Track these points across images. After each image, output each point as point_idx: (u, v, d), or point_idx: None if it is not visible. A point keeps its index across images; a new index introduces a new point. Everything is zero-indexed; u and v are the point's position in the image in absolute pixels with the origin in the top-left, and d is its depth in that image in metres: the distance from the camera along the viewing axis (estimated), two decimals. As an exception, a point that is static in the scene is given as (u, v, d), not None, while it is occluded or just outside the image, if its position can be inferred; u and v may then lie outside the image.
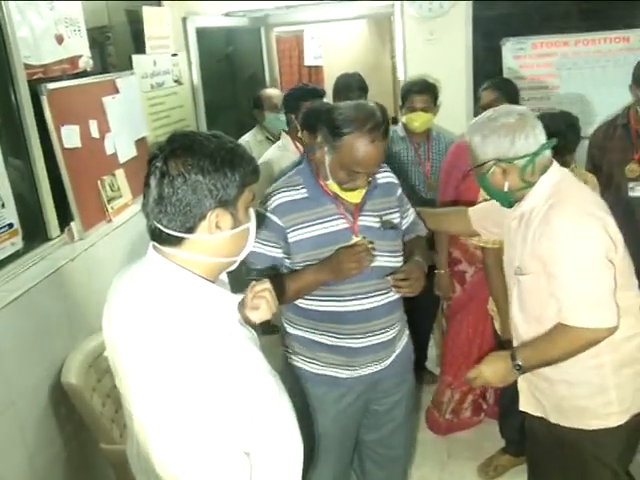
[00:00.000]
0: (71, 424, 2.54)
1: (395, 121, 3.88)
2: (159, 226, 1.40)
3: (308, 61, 8.16)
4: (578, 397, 2.13)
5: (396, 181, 2.37)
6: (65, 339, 2.54)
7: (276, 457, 1.46)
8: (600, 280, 1.97)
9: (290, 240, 2.19)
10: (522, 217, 2.13)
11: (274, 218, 2.19)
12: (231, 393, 1.33)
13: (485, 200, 2.51)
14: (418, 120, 3.58)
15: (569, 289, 1.98)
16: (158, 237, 1.42)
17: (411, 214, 2.45)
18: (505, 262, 2.32)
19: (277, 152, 3.55)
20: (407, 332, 2.49)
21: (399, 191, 2.36)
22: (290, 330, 2.37)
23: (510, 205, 2.18)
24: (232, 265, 1.54)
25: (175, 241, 1.40)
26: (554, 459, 2.29)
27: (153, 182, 1.37)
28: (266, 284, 1.71)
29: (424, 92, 3.60)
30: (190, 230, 1.39)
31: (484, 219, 2.48)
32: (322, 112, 2.24)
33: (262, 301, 1.68)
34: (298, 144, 3.52)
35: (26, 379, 2.33)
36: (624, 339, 2.08)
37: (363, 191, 2.19)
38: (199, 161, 1.35)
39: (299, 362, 2.37)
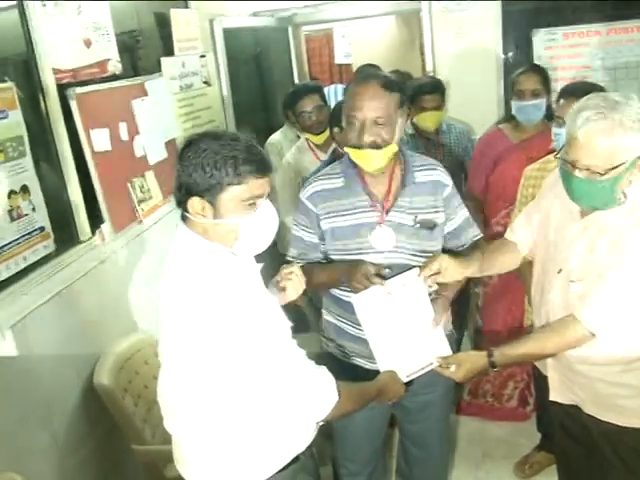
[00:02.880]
0: (103, 425, 2.58)
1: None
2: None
3: (339, 59, 8.16)
4: (617, 396, 2.09)
5: (446, 182, 2.31)
6: (97, 341, 2.58)
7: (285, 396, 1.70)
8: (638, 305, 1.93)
9: (323, 227, 2.27)
10: (592, 222, 1.99)
11: (309, 205, 2.29)
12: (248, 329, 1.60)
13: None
14: (430, 120, 3.62)
15: (607, 296, 1.93)
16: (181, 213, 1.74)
17: (459, 218, 2.36)
18: (544, 261, 2.21)
19: (295, 153, 3.65)
20: (449, 327, 2.46)
21: (447, 191, 2.30)
22: (325, 316, 2.46)
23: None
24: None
25: (183, 218, 1.72)
26: (584, 454, 2.26)
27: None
28: (294, 267, 1.96)
29: (434, 91, 3.65)
30: (183, 207, 1.68)
31: (530, 236, 2.32)
32: None
33: (289, 283, 1.93)
34: (311, 143, 3.58)
35: (59, 381, 2.37)
36: None
37: (377, 160, 2.16)
38: (189, 156, 1.63)
39: (329, 348, 2.44)
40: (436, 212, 2.27)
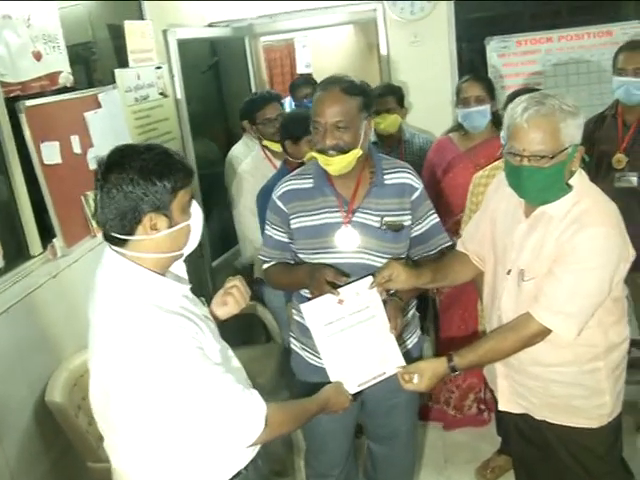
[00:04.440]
0: (59, 443, 2.52)
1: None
2: (106, 229, 1.65)
3: (300, 69, 8.14)
4: (572, 397, 2.12)
5: (416, 185, 2.33)
6: (49, 357, 2.54)
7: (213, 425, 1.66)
8: (592, 299, 1.97)
9: (292, 226, 2.32)
10: (538, 220, 2.03)
11: (279, 204, 2.35)
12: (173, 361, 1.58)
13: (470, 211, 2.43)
14: (383, 122, 3.67)
15: (561, 291, 1.96)
16: (108, 239, 1.67)
17: (429, 222, 2.38)
18: (494, 266, 2.24)
19: (251, 162, 3.69)
20: (417, 333, 2.52)
21: (416, 194, 2.32)
22: (294, 316, 2.50)
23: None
24: (180, 258, 1.76)
25: (120, 242, 1.65)
26: (540, 455, 2.28)
27: (97, 194, 1.63)
28: (236, 281, 1.97)
29: (386, 94, 3.71)
30: (130, 233, 1.62)
31: (479, 246, 2.34)
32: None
33: (230, 297, 1.94)
34: (268, 153, 3.64)
35: (10, 398, 2.32)
36: (617, 345, 2.11)
37: (340, 165, 2.19)
38: (128, 175, 1.57)
39: (297, 347, 2.50)
40: (403, 215, 2.29)
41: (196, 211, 1.74)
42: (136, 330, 1.59)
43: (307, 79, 4.55)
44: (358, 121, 2.19)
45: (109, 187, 1.58)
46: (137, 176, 1.57)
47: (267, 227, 2.43)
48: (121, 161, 1.60)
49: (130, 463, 1.75)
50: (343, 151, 2.16)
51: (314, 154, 2.23)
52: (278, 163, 3.47)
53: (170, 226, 1.65)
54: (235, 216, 3.74)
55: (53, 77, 2.92)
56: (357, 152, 2.19)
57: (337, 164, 2.19)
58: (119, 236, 1.63)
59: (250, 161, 3.72)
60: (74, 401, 2.43)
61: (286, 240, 2.37)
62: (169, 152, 1.66)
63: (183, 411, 1.62)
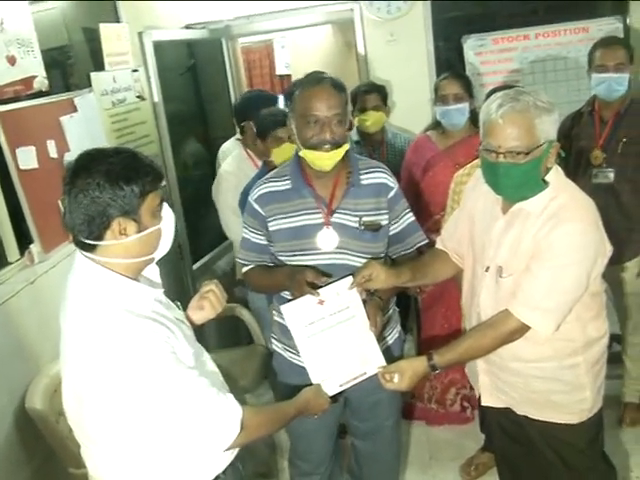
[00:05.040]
0: (41, 450, 2.49)
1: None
2: (75, 234, 1.62)
3: (279, 70, 8.14)
4: (552, 392, 2.14)
5: (392, 184, 2.35)
6: (28, 364, 2.51)
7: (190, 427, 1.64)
8: (569, 295, 1.99)
9: (270, 229, 2.31)
10: (515, 216, 2.04)
11: (256, 207, 2.33)
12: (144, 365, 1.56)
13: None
14: (369, 119, 3.68)
15: (538, 287, 1.97)
16: (78, 244, 1.65)
17: (404, 221, 2.40)
18: (473, 264, 2.25)
19: (232, 162, 3.66)
20: (398, 329, 2.53)
21: (392, 194, 2.34)
22: (274, 317, 2.50)
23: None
24: (151, 262, 1.74)
25: (90, 247, 1.62)
26: (522, 451, 2.29)
27: (65, 198, 1.62)
28: (212, 286, 1.95)
29: (372, 91, 3.75)
30: (98, 238, 1.60)
31: (458, 245, 2.35)
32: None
33: (206, 301, 1.93)
34: (250, 152, 3.57)
35: (-12, 406, 2.29)
36: (596, 340, 2.12)
37: (335, 160, 2.20)
38: (95, 179, 1.55)
39: (279, 348, 2.49)
40: (380, 214, 2.31)
41: (167, 214, 1.72)
42: (107, 336, 1.57)
43: None
44: (346, 117, 2.22)
45: (76, 192, 1.57)
46: (104, 180, 1.55)
47: (244, 230, 2.42)
48: (88, 165, 1.58)
49: (105, 470, 1.74)
50: (338, 145, 2.18)
51: (306, 151, 2.21)
52: (260, 163, 3.47)
53: (139, 230, 1.63)
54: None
55: (28, 82, 2.88)
56: (347, 146, 2.22)
57: (333, 158, 2.20)
58: (87, 241, 1.61)
59: (232, 161, 3.71)
60: (55, 407, 2.40)
61: (264, 243, 2.36)
62: (137, 155, 1.64)
63: (157, 416, 1.61)
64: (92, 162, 1.59)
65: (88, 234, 1.60)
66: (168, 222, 1.72)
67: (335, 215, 2.26)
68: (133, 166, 1.60)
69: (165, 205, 1.72)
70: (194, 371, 1.66)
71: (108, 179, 1.55)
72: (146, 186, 1.61)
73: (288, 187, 2.31)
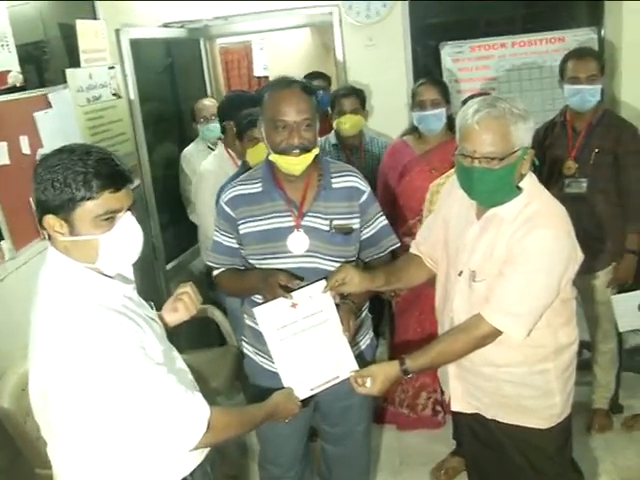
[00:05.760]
0: (9, 449, 2.45)
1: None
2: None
3: (257, 72, 8.12)
4: (523, 397, 2.16)
5: (363, 188, 2.34)
6: (-3, 362, 2.46)
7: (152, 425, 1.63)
8: (541, 300, 2.00)
9: (241, 232, 2.29)
10: (489, 221, 2.05)
11: (227, 209, 2.32)
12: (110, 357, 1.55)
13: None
14: (348, 122, 3.68)
15: (511, 292, 1.98)
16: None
17: (377, 225, 2.40)
18: (446, 269, 2.26)
19: (213, 161, 3.66)
20: (370, 334, 2.52)
21: (364, 197, 2.33)
22: (245, 320, 2.49)
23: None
24: (100, 271, 1.66)
25: (49, 236, 1.65)
26: (492, 456, 2.31)
27: None
28: (187, 287, 1.95)
29: (351, 95, 3.75)
30: (43, 228, 1.62)
31: (432, 249, 2.35)
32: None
33: (180, 303, 1.94)
34: (231, 152, 3.54)
35: (-46, 405, 2.25)
36: (566, 346, 2.14)
37: (304, 164, 2.19)
38: (38, 171, 1.58)
39: (250, 352, 2.48)
40: (352, 218, 2.30)
41: (123, 229, 1.63)
42: (72, 327, 1.55)
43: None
44: (316, 121, 2.21)
45: (34, 181, 1.61)
46: (44, 173, 1.57)
47: (216, 233, 2.40)
48: (46, 156, 1.61)
49: (68, 467, 1.71)
50: (307, 150, 2.17)
51: (274, 156, 2.20)
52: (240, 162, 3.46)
53: (71, 234, 1.59)
54: (196, 215, 3.72)
55: (2, 76, 2.85)
56: (316, 151, 2.21)
57: (302, 163, 2.19)
58: (40, 229, 1.64)
59: (213, 160, 3.71)
60: (23, 407, 2.36)
61: (235, 246, 2.35)
62: (91, 160, 1.56)
63: (121, 410, 1.58)
64: (52, 155, 1.60)
65: (38, 220, 1.62)
66: (116, 236, 1.63)
67: (306, 218, 2.26)
68: (77, 171, 1.55)
69: (124, 218, 1.64)
70: (162, 367, 1.64)
71: (48, 174, 1.56)
72: (86, 193, 1.55)
73: (259, 190, 2.29)
